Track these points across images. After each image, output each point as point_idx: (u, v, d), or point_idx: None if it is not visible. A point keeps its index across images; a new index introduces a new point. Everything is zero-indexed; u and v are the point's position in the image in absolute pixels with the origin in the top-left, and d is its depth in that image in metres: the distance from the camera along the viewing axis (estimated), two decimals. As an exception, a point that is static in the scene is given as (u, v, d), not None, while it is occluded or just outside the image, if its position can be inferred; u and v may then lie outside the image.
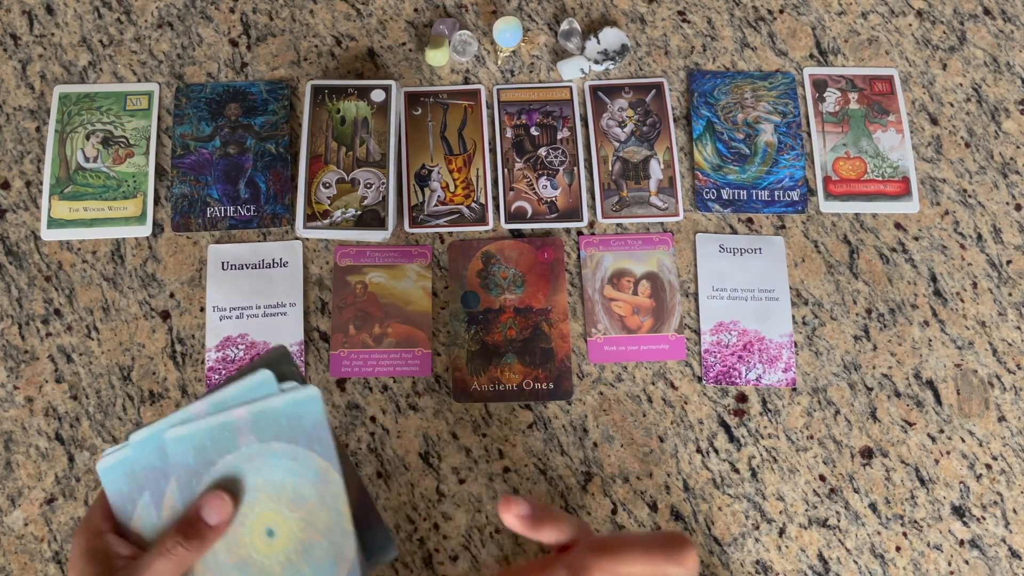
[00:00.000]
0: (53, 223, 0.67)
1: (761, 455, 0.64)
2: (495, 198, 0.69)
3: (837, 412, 0.65)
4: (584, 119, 0.71)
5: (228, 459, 0.42)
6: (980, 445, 0.64)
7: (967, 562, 0.62)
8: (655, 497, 0.63)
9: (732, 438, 0.64)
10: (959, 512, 0.63)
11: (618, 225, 0.69)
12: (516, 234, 0.69)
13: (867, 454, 0.64)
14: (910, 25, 0.74)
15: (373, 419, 0.64)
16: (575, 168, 0.69)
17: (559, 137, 0.70)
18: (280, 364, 0.43)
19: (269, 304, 0.66)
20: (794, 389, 0.65)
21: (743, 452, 0.64)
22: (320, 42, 0.72)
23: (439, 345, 0.66)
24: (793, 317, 0.67)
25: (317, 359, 0.65)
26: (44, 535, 0.61)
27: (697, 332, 0.66)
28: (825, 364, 0.66)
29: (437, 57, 0.70)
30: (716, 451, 0.64)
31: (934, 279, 0.68)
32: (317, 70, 0.72)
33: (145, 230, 0.67)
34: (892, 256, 0.68)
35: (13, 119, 0.70)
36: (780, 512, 0.63)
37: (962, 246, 0.69)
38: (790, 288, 0.67)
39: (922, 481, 0.64)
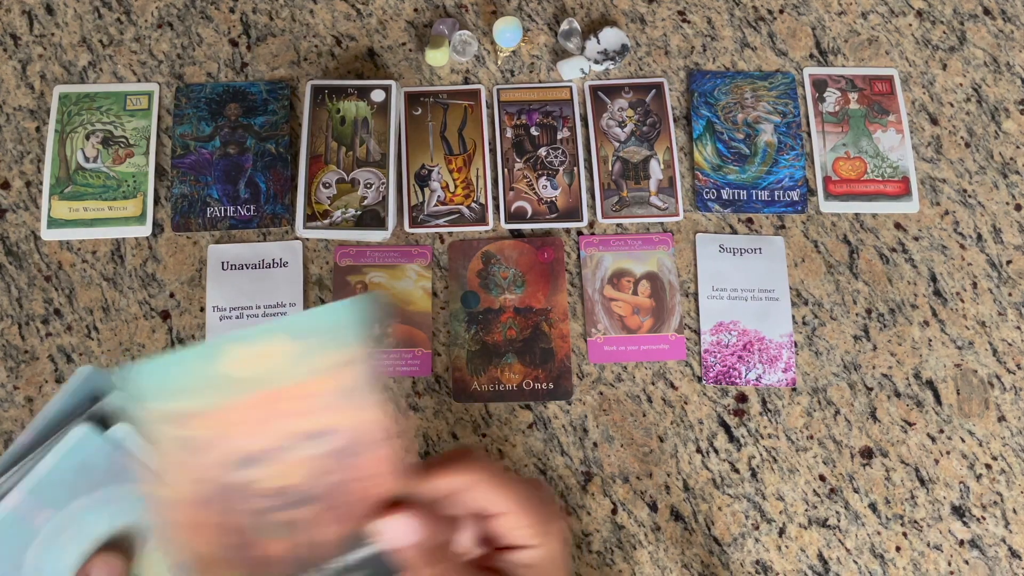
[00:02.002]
0: (53, 223, 0.67)
1: (761, 455, 0.64)
2: (495, 198, 0.69)
3: (837, 412, 0.65)
4: (584, 119, 0.71)
5: (32, 552, 0.34)
6: (980, 445, 0.64)
7: (967, 562, 0.62)
8: (655, 497, 0.63)
9: (732, 438, 0.64)
10: (959, 512, 0.63)
11: (618, 225, 0.69)
12: (516, 234, 0.69)
13: (867, 454, 0.64)
14: (910, 25, 0.74)
15: (373, 419, 0.64)
16: (575, 168, 0.69)
17: (559, 137, 0.70)
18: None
19: (269, 304, 0.66)
20: (794, 389, 0.65)
21: (743, 452, 0.64)
22: (320, 42, 0.72)
23: (439, 345, 0.66)
24: (793, 317, 0.67)
25: (317, 359, 0.65)
26: (44, 535, 0.61)
27: (697, 332, 0.66)
28: (825, 364, 0.66)
29: (437, 57, 0.70)
30: (716, 451, 0.64)
31: (934, 279, 0.68)
32: (317, 70, 0.72)
33: (145, 230, 0.67)
34: (892, 256, 0.68)
35: (13, 119, 0.70)
36: (780, 512, 0.63)
37: (962, 246, 0.69)
38: (790, 288, 0.67)
39: (922, 481, 0.64)
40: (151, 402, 0.31)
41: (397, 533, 0.35)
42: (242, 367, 0.32)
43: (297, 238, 0.68)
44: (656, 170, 0.70)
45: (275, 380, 0.32)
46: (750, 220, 0.69)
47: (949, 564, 0.62)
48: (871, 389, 0.65)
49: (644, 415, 0.64)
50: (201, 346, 0.32)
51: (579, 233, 0.68)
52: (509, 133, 0.70)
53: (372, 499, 0.35)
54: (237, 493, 0.33)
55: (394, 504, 0.36)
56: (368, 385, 0.34)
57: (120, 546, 0.35)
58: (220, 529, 0.33)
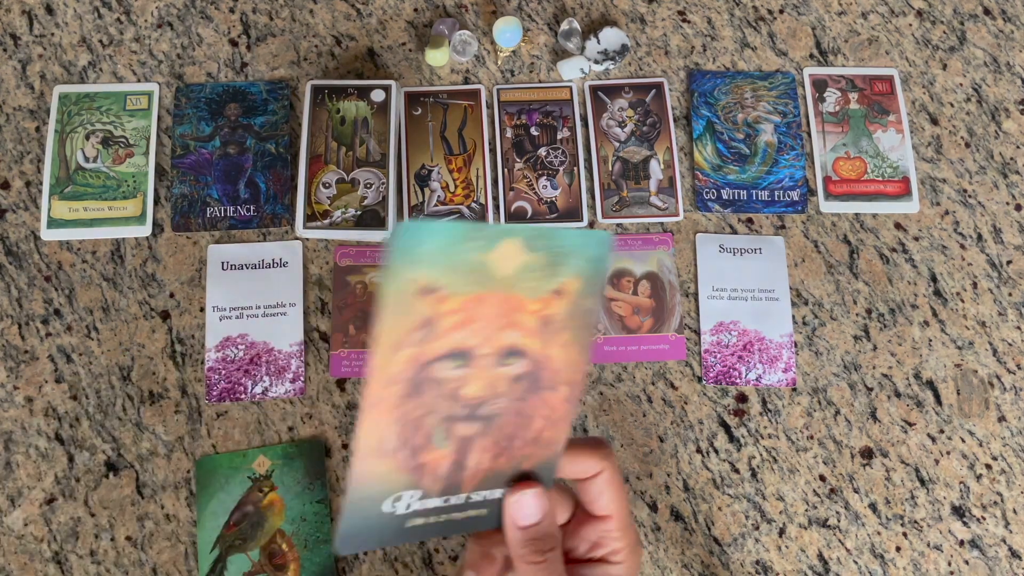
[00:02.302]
0: (53, 223, 0.67)
1: (761, 455, 0.64)
2: (495, 198, 0.69)
3: (837, 412, 0.65)
4: (584, 119, 0.71)
5: None
6: (980, 445, 0.64)
7: (967, 562, 0.62)
8: (655, 497, 0.63)
9: (732, 438, 0.64)
10: (959, 512, 0.63)
11: (618, 225, 0.69)
12: (516, 234, 0.68)
13: (867, 454, 0.64)
14: (910, 25, 0.74)
15: (373, 419, 0.64)
16: (575, 168, 0.69)
17: (559, 137, 0.70)
18: None
19: (269, 304, 0.66)
20: (794, 389, 0.65)
21: (743, 452, 0.64)
22: (320, 42, 0.72)
23: (439, 345, 0.66)
24: (793, 317, 0.67)
25: (317, 359, 0.65)
26: (44, 535, 0.61)
27: (697, 332, 0.66)
28: (825, 364, 0.66)
29: (437, 57, 0.70)
30: (716, 451, 0.64)
31: (934, 279, 0.68)
32: (317, 70, 0.72)
33: (145, 230, 0.67)
34: (892, 256, 0.68)
35: (13, 119, 0.70)
36: (780, 512, 0.63)
37: (962, 246, 0.69)
38: (790, 288, 0.67)
39: (922, 481, 0.64)
40: (421, 269, 0.30)
41: (524, 506, 0.35)
42: (504, 264, 0.31)
43: (297, 238, 0.68)
44: (656, 170, 0.70)
45: (515, 287, 0.32)
46: (750, 220, 0.69)
47: (949, 564, 0.62)
48: (871, 389, 0.65)
49: (644, 415, 0.64)
50: (489, 228, 0.32)
51: (579, 233, 0.68)
52: (509, 133, 0.70)
53: (535, 442, 0.35)
54: (438, 388, 0.32)
55: (528, 480, 0.36)
56: (578, 323, 0.33)
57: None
58: (408, 420, 0.33)
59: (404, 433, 0.33)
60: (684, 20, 0.74)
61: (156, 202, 0.68)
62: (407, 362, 0.31)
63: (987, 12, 0.75)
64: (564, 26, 0.71)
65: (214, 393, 0.64)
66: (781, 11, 0.75)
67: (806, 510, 0.63)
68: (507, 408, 0.34)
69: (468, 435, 0.34)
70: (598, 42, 0.71)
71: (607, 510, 0.37)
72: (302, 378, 0.64)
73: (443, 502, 0.35)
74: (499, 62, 0.72)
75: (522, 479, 0.36)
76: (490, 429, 0.34)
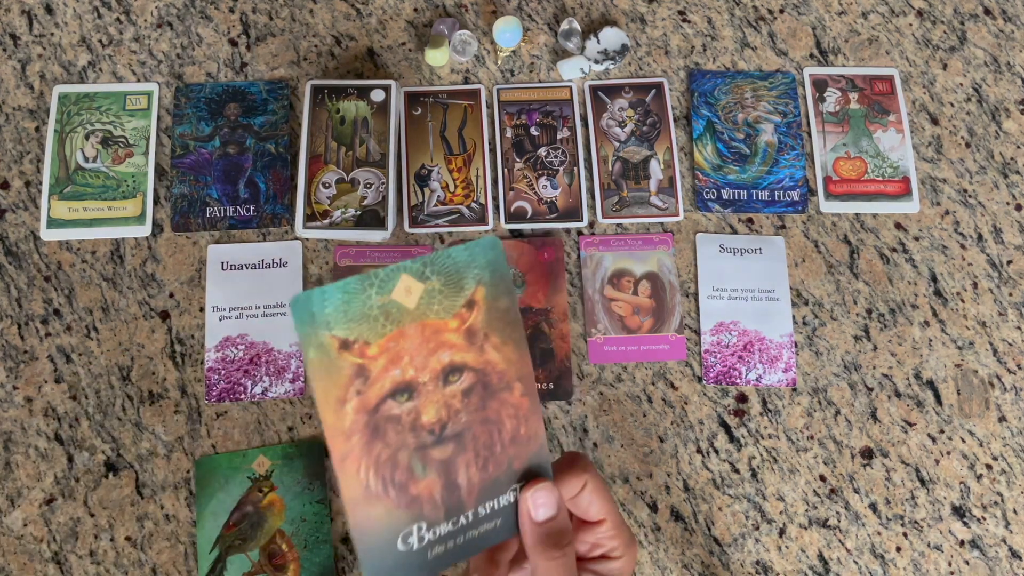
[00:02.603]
0: (52, 223, 0.67)
1: (761, 455, 0.64)
2: (495, 198, 0.69)
3: (837, 412, 0.65)
4: (584, 119, 0.71)
5: None
6: (980, 445, 0.64)
7: (967, 562, 0.62)
8: (655, 497, 0.63)
9: (732, 438, 0.64)
10: (959, 512, 0.63)
11: (618, 225, 0.69)
12: (516, 234, 0.68)
13: (867, 454, 0.64)
14: (910, 25, 0.74)
15: (373, 419, 0.64)
16: (575, 168, 0.69)
17: (559, 137, 0.70)
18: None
19: (269, 304, 0.66)
20: (794, 389, 0.65)
21: (743, 452, 0.64)
22: (320, 42, 0.72)
23: (439, 345, 0.66)
24: (793, 317, 0.67)
25: (317, 359, 0.65)
26: (43, 535, 0.61)
27: (697, 332, 0.66)
28: (825, 364, 0.66)
29: (437, 57, 0.70)
30: (716, 451, 0.64)
31: (934, 279, 0.68)
32: (317, 70, 0.72)
33: (144, 230, 0.67)
34: (892, 256, 0.68)
35: (12, 119, 0.69)
36: (780, 512, 0.63)
37: (962, 246, 0.69)
38: (790, 288, 0.67)
39: (922, 481, 0.64)
40: (333, 329, 0.33)
41: (539, 501, 0.37)
42: (407, 299, 0.34)
43: (297, 238, 0.67)
44: (656, 170, 0.70)
45: (426, 314, 0.35)
46: (750, 220, 0.69)
47: (949, 564, 0.62)
48: (871, 389, 0.65)
49: (644, 415, 0.64)
50: (377, 273, 0.33)
51: (579, 233, 0.68)
52: (509, 133, 0.70)
53: (513, 442, 0.37)
54: (397, 425, 0.35)
55: (536, 477, 0.38)
56: (501, 323, 0.36)
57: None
58: (383, 462, 0.35)
59: (383, 473, 0.35)
60: (684, 20, 0.74)
61: (156, 202, 0.68)
62: (356, 412, 0.34)
63: (987, 12, 0.75)
64: (564, 26, 0.71)
65: (214, 393, 0.64)
66: (781, 11, 0.74)
67: (806, 510, 0.63)
68: (471, 421, 0.36)
69: (445, 458, 0.36)
70: (598, 42, 0.71)
71: (599, 515, 0.39)
72: (302, 378, 0.64)
73: (452, 525, 0.37)
74: (499, 62, 0.72)
75: (525, 479, 0.38)
76: (464, 445, 0.36)
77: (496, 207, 0.69)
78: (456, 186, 0.69)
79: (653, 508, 0.63)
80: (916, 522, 0.63)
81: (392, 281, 0.34)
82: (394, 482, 0.35)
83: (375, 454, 0.35)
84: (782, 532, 0.62)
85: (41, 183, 0.68)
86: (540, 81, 0.72)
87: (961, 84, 0.73)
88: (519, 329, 0.37)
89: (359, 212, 0.65)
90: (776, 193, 0.69)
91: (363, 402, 0.34)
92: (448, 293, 0.35)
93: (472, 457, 0.37)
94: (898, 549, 0.62)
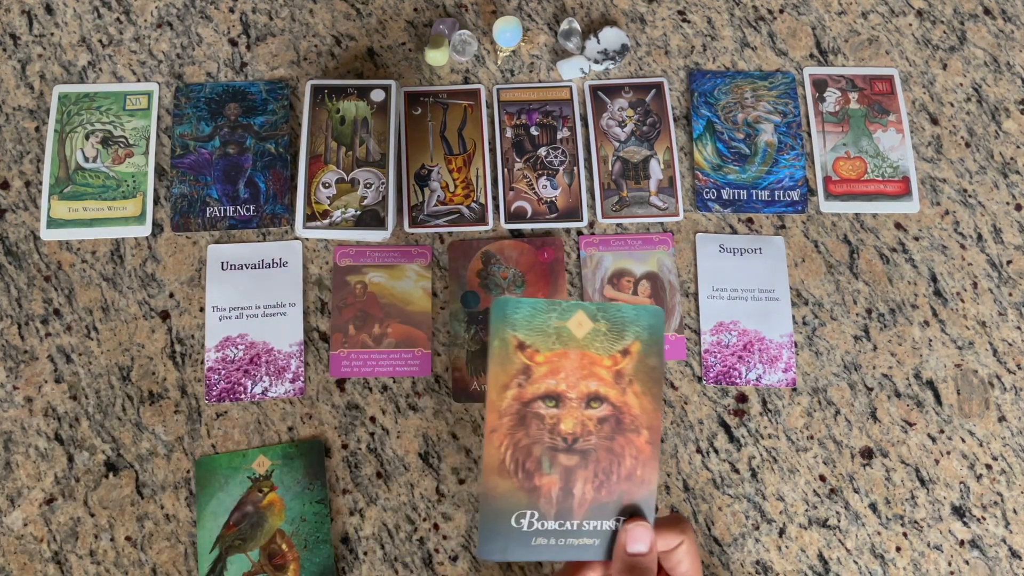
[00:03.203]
0: (52, 223, 0.67)
1: (761, 455, 0.64)
2: (495, 198, 0.69)
3: (837, 412, 0.65)
4: (584, 119, 0.71)
5: None
6: (980, 445, 0.64)
7: (967, 562, 0.62)
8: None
9: (732, 438, 0.64)
10: (959, 512, 0.63)
11: (618, 225, 0.69)
12: (516, 234, 0.69)
13: (867, 454, 0.64)
14: (910, 25, 0.74)
15: (373, 419, 0.64)
16: (575, 168, 0.69)
17: (559, 137, 0.70)
18: None
19: (269, 304, 0.66)
20: (794, 389, 0.65)
21: (743, 452, 0.64)
22: (320, 42, 0.72)
23: (439, 345, 0.66)
24: (793, 317, 0.67)
25: (317, 359, 0.65)
26: (43, 535, 0.61)
27: (697, 332, 0.66)
28: (825, 364, 0.66)
29: (437, 57, 0.70)
30: (716, 451, 0.64)
31: (934, 279, 0.68)
32: (317, 70, 0.72)
33: (144, 230, 0.67)
34: (892, 256, 0.68)
35: (12, 119, 0.69)
36: (780, 512, 0.63)
37: (962, 246, 0.69)
38: (790, 288, 0.67)
39: (922, 481, 0.64)
40: (517, 331, 0.43)
41: (637, 536, 0.42)
42: (578, 330, 0.44)
43: (297, 238, 0.67)
44: (656, 170, 0.70)
45: (589, 347, 0.44)
46: (750, 220, 0.69)
47: (949, 564, 0.62)
48: (871, 389, 0.65)
49: (644, 415, 0.64)
50: (561, 303, 0.44)
51: (579, 233, 0.68)
52: (509, 133, 0.70)
53: (628, 479, 0.44)
54: (539, 421, 0.43)
55: (639, 516, 0.44)
56: (645, 377, 0.44)
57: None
58: (521, 447, 0.43)
59: (517, 456, 0.43)
60: (684, 20, 0.74)
61: (156, 202, 0.68)
62: (512, 399, 0.43)
63: (987, 12, 0.75)
64: (564, 26, 0.71)
65: (214, 393, 0.64)
66: (781, 11, 0.74)
67: (806, 510, 0.63)
68: (599, 445, 0.43)
69: (570, 465, 0.43)
70: (598, 42, 0.71)
71: (687, 574, 0.44)
72: (302, 378, 0.64)
73: (558, 526, 0.43)
74: (499, 62, 0.72)
75: (629, 515, 0.44)
76: (587, 462, 0.43)
77: (496, 207, 0.69)
78: (456, 186, 0.69)
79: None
80: (916, 522, 0.63)
81: (571, 313, 0.43)
82: (524, 467, 0.43)
83: (516, 438, 0.43)
84: (782, 532, 0.62)
85: (41, 183, 0.68)
86: (540, 81, 0.72)
87: (961, 84, 0.73)
88: (660, 387, 0.44)
89: (359, 212, 0.65)
90: (776, 193, 0.69)
91: (521, 393, 0.43)
92: (611, 337, 0.44)
93: (591, 476, 0.43)
94: (898, 549, 0.62)
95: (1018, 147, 0.71)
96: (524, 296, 0.67)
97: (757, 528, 0.62)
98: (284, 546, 0.60)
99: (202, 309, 0.66)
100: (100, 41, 0.72)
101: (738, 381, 0.65)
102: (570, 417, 0.43)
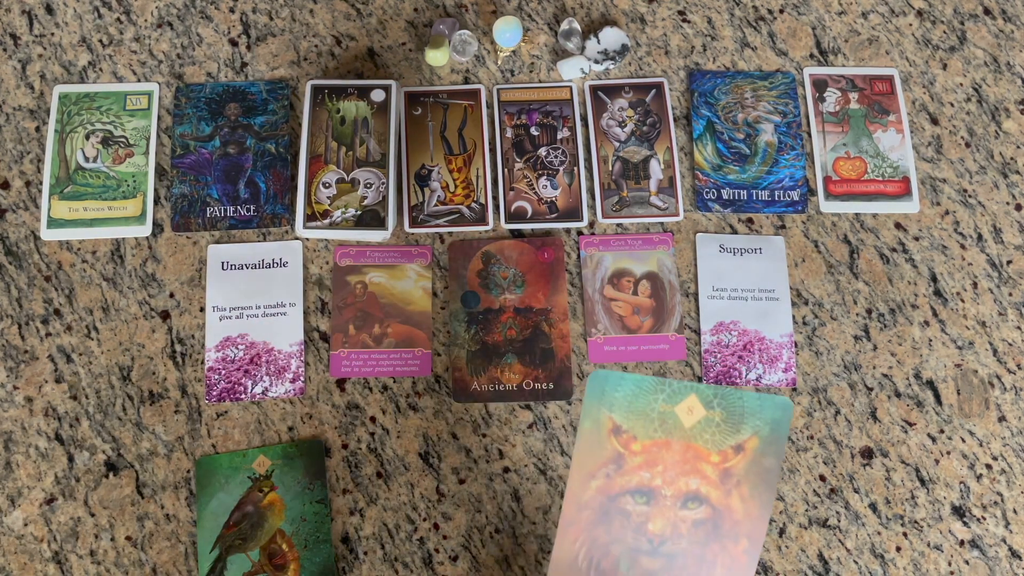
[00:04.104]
0: (53, 223, 0.67)
1: (761, 455, 0.64)
2: (495, 198, 0.69)
3: (837, 412, 0.65)
4: (584, 119, 0.71)
5: None
6: (980, 445, 0.64)
7: (967, 562, 0.62)
8: (655, 497, 0.63)
9: (732, 438, 0.64)
10: (959, 512, 0.63)
11: (618, 225, 0.69)
12: (516, 234, 0.69)
13: (867, 454, 0.64)
14: (910, 25, 0.74)
15: (373, 419, 0.64)
16: (575, 168, 0.69)
17: (559, 137, 0.70)
18: None
19: (269, 304, 0.66)
20: (794, 389, 0.65)
21: (743, 452, 0.64)
22: (320, 42, 0.72)
23: (439, 345, 0.66)
24: (793, 317, 0.67)
25: (317, 359, 0.65)
26: (44, 535, 0.61)
27: (697, 332, 0.66)
28: (825, 364, 0.66)
29: (437, 57, 0.70)
30: (716, 451, 0.64)
31: (934, 279, 0.68)
32: (317, 70, 0.72)
33: (145, 230, 0.67)
34: (892, 256, 0.68)
35: (13, 119, 0.70)
36: (780, 512, 0.63)
37: (962, 246, 0.69)
38: (790, 288, 0.67)
39: (922, 481, 0.64)
40: (614, 412, 0.36)
41: None
42: (687, 417, 0.36)
43: (297, 238, 0.68)
44: (656, 170, 0.70)
45: (697, 438, 0.37)
46: (750, 220, 0.69)
47: (949, 564, 0.62)
48: (871, 389, 0.65)
49: (644, 415, 0.64)
50: (672, 383, 0.37)
51: (579, 233, 0.68)
52: (509, 133, 0.70)
53: None
54: (625, 520, 0.37)
55: None
56: (758, 479, 0.38)
57: None
58: (599, 544, 0.37)
59: (592, 554, 0.37)
60: (684, 20, 0.74)
61: (156, 202, 0.68)
62: (597, 491, 0.37)
63: (987, 12, 0.75)
64: (564, 26, 0.71)
65: (214, 393, 0.64)
66: (781, 11, 0.74)
67: (806, 510, 0.63)
68: (688, 550, 0.37)
69: (651, 569, 0.37)
70: (598, 42, 0.71)
71: None
72: (302, 378, 0.64)
73: None
74: (499, 62, 0.72)
75: None
76: (672, 568, 0.37)
77: (496, 207, 0.69)
78: (456, 186, 0.69)
79: (653, 508, 0.63)
80: (916, 522, 0.63)
81: (681, 396, 0.37)
82: (599, 567, 0.37)
83: (596, 534, 0.37)
84: (782, 532, 0.62)
85: (41, 183, 0.68)
86: (540, 81, 0.72)
87: (961, 84, 0.73)
88: (772, 492, 0.38)
89: (359, 212, 0.65)
90: (776, 193, 0.69)
91: (608, 485, 0.37)
92: (725, 429, 0.37)
93: None
94: (898, 549, 0.62)
95: (1018, 147, 0.71)
96: (521, 296, 0.67)
97: (757, 528, 0.62)
98: (284, 546, 0.60)
99: (202, 309, 0.66)
100: (100, 41, 0.72)
101: (738, 381, 0.65)
102: (661, 517, 0.37)
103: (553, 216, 0.68)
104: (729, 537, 0.38)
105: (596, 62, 0.71)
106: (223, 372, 0.64)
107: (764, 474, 0.37)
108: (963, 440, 0.64)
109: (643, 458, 0.37)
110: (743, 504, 0.37)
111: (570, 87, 0.71)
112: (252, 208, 0.68)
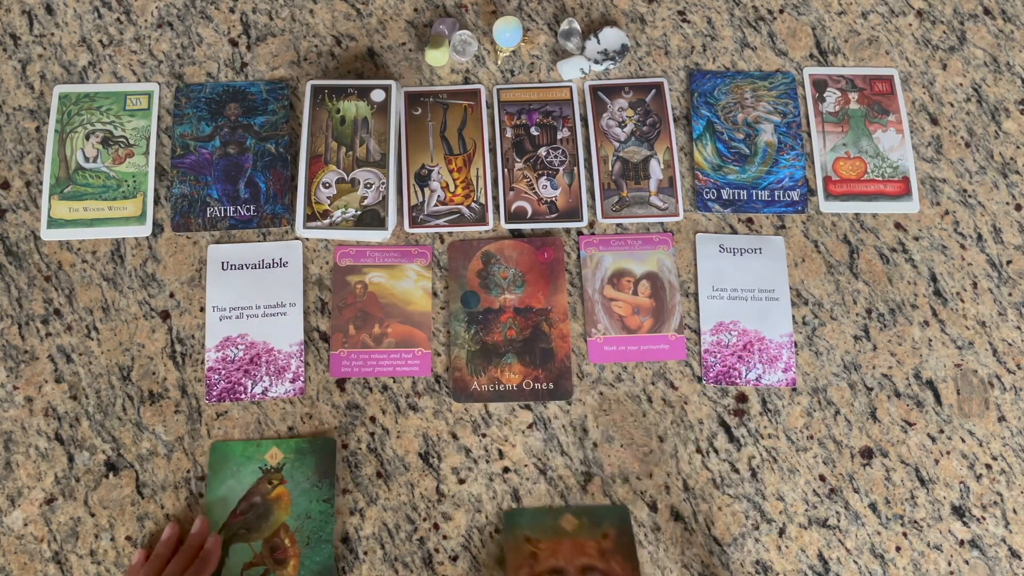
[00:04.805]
0: (53, 223, 0.67)
1: (761, 455, 0.64)
2: (495, 198, 0.69)
3: (837, 412, 0.65)
4: (584, 119, 0.71)
5: None
6: (980, 445, 0.64)
7: (967, 562, 0.62)
8: (655, 497, 0.63)
9: (732, 438, 0.64)
10: (959, 512, 0.63)
11: (618, 225, 0.69)
12: (516, 234, 0.69)
13: (867, 454, 0.64)
14: (910, 25, 0.74)
15: (373, 419, 0.64)
16: (575, 168, 0.69)
17: (559, 137, 0.70)
18: None
19: (269, 304, 0.66)
20: (794, 389, 0.65)
21: (743, 452, 0.64)
22: (320, 42, 0.72)
23: (439, 345, 0.66)
24: (793, 317, 0.67)
25: (317, 359, 0.65)
26: (44, 535, 0.61)
27: (697, 332, 0.66)
28: (825, 364, 0.66)
29: (437, 57, 0.70)
30: (716, 451, 0.64)
31: (934, 279, 0.68)
32: (317, 70, 0.72)
33: (145, 230, 0.67)
34: (892, 256, 0.68)
35: (13, 119, 0.70)
36: (780, 512, 0.63)
37: (962, 246, 0.69)
38: (790, 288, 0.67)
39: (922, 481, 0.64)
40: (526, 530, 0.61)
41: None
42: (567, 526, 0.61)
43: (297, 238, 0.68)
44: (656, 170, 0.70)
45: (578, 535, 0.61)
46: (750, 220, 0.69)
47: (949, 564, 0.62)
48: (871, 389, 0.65)
49: (644, 415, 0.64)
50: (553, 509, 0.62)
51: (579, 233, 0.68)
52: (509, 133, 0.70)
53: None
54: None
55: None
56: (624, 553, 0.60)
57: None
58: None
59: None
60: (684, 20, 0.74)
61: (156, 202, 0.68)
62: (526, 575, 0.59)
63: (987, 12, 0.75)
64: (564, 26, 0.71)
65: (214, 393, 0.64)
66: (781, 11, 0.75)
67: (806, 510, 0.63)
68: None
69: None
70: (598, 42, 0.71)
71: None
72: (302, 378, 0.64)
73: None
74: (499, 62, 0.72)
75: None
76: None
77: (496, 207, 0.69)
78: (456, 186, 0.69)
79: (653, 508, 0.63)
80: (916, 522, 0.63)
81: (560, 515, 0.61)
82: None
83: None
84: (782, 532, 0.62)
85: (41, 183, 0.68)
86: (540, 81, 0.72)
87: (961, 84, 0.73)
88: (635, 556, 0.60)
89: (359, 212, 0.65)
90: (776, 193, 0.69)
91: (531, 572, 0.59)
92: (591, 528, 0.61)
93: None
94: (898, 549, 0.62)
95: (1018, 147, 0.71)
96: (521, 295, 0.67)
97: (757, 528, 0.62)
98: (287, 541, 0.60)
99: (202, 309, 0.66)
100: (100, 41, 0.72)
101: (738, 381, 0.65)
102: None
103: (553, 216, 0.68)
104: None
105: (596, 62, 0.71)
106: (223, 372, 0.64)
107: (626, 547, 0.60)
108: (963, 440, 0.64)
109: (549, 551, 0.60)
110: (622, 567, 0.59)
111: (570, 87, 0.71)
112: (252, 208, 0.68)
